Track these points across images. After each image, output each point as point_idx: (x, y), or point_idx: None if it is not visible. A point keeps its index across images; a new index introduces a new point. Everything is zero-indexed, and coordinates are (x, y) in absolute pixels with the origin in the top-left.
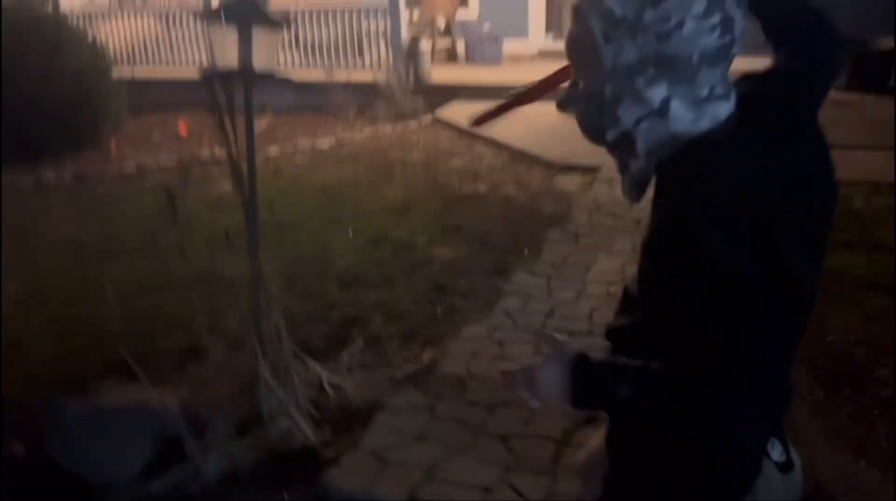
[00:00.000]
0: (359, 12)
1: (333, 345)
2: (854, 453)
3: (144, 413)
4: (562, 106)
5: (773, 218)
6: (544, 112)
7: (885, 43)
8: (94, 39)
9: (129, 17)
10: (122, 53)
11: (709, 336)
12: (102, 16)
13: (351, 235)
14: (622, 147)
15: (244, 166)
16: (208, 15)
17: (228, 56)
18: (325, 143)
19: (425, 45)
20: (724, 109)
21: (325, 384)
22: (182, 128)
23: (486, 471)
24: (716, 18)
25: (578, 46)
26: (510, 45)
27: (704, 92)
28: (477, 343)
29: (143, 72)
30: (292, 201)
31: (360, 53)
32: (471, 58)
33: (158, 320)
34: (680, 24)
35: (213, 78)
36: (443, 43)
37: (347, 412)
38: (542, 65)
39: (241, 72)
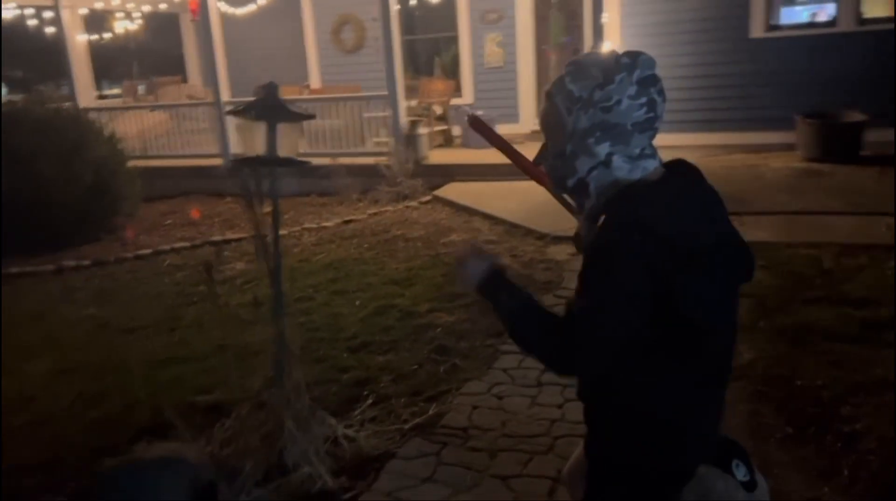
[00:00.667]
0: (360, 101)
1: (346, 403)
2: (819, 481)
3: (181, 466)
4: (538, 161)
5: (669, 245)
6: (535, 191)
7: (854, 116)
8: (111, 133)
9: (141, 112)
10: (135, 145)
11: (579, 303)
12: (117, 111)
13: (357, 304)
14: (579, 191)
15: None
16: (239, 110)
17: (257, 145)
18: (330, 222)
19: (423, 130)
20: (651, 164)
21: (340, 437)
22: (195, 213)
23: None
24: (643, 100)
25: (548, 117)
26: (503, 129)
27: (637, 151)
28: (478, 398)
29: (154, 162)
30: (301, 276)
31: (363, 140)
32: (465, 141)
33: (184, 386)
34: (619, 102)
35: (243, 165)
36: (439, 128)
37: (361, 460)
38: (531, 145)
39: (268, 159)
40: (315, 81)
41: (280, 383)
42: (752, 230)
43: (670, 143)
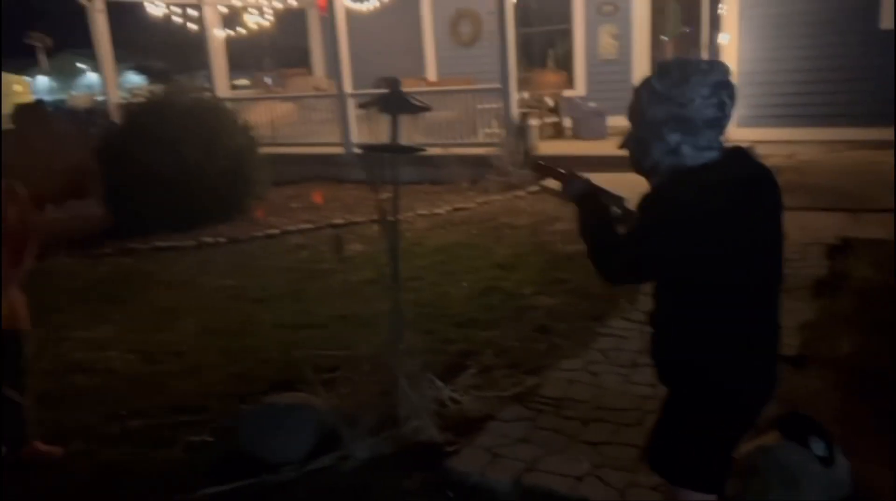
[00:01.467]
0: (474, 93)
1: (450, 371)
2: None
3: (309, 411)
4: (621, 146)
5: (702, 223)
6: (643, 181)
7: None
8: (245, 122)
9: (271, 102)
10: (265, 133)
11: (630, 236)
12: (249, 101)
13: (464, 285)
14: (651, 171)
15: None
16: (366, 103)
17: (383, 134)
18: (441, 209)
19: (534, 121)
20: (712, 155)
21: (446, 399)
22: (317, 197)
23: (579, 466)
24: (714, 100)
25: (632, 107)
26: (615, 120)
27: (703, 143)
28: (573, 374)
29: (282, 149)
30: (413, 258)
31: (475, 131)
32: (577, 133)
33: (309, 348)
34: (692, 100)
35: (369, 151)
36: (550, 119)
37: (464, 420)
38: None
39: (391, 146)
40: (431, 73)
41: (395, 346)
42: (867, 228)
43: (788, 138)
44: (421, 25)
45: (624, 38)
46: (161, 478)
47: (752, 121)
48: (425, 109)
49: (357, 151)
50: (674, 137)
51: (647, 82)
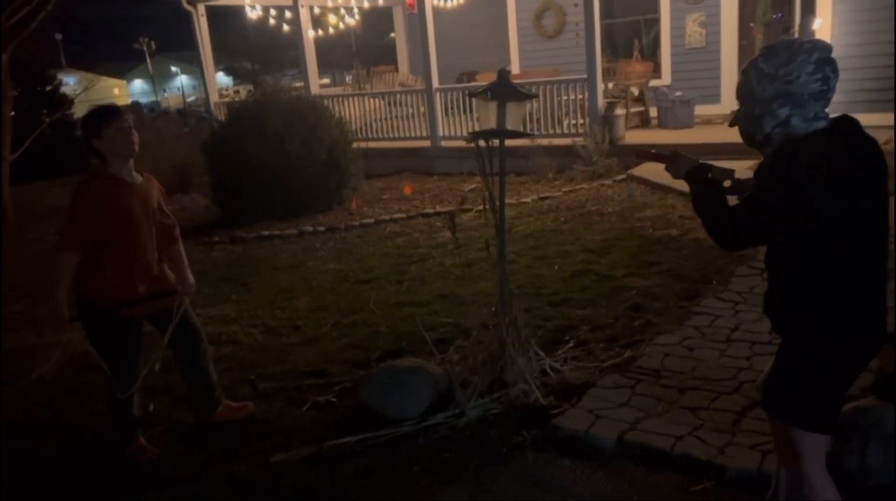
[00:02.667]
0: (560, 85)
1: (550, 344)
2: None
3: (424, 373)
4: (731, 124)
5: (817, 184)
6: (735, 168)
7: None
8: (339, 117)
9: (361, 99)
10: (358, 128)
11: (750, 200)
12: (344, 98)
13: (556, 268)
14: (764, 143)
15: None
16: (478, 93)
17: (490, 121)
18: (528, 198)
19: (620, 111)
20: (821, 124)
21: (548, 368)
22: (407, 188)
23: (678, 428)
24: (819, 75)
25: (742, 87)
26: (702, 110)
27: (811, 114)
28: (669, 348)
29: (372, 143)
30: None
31: (560, 122)
32: (663, 122)
33: (415, 323)
34: (798, 77)
35: (480, 136)
36: (636, 109)
37: (566, 386)
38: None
39: (499, 131)
40: (515, 66)
41: (502, 315)
42: None
43: (882, 123)
44: (506, 19)
45: (712, 26)
46: (293, 432)
47: (846, 107)
48: (532, 96)
49: (445, 144)
50: (783, 111)
51: (754, 63)
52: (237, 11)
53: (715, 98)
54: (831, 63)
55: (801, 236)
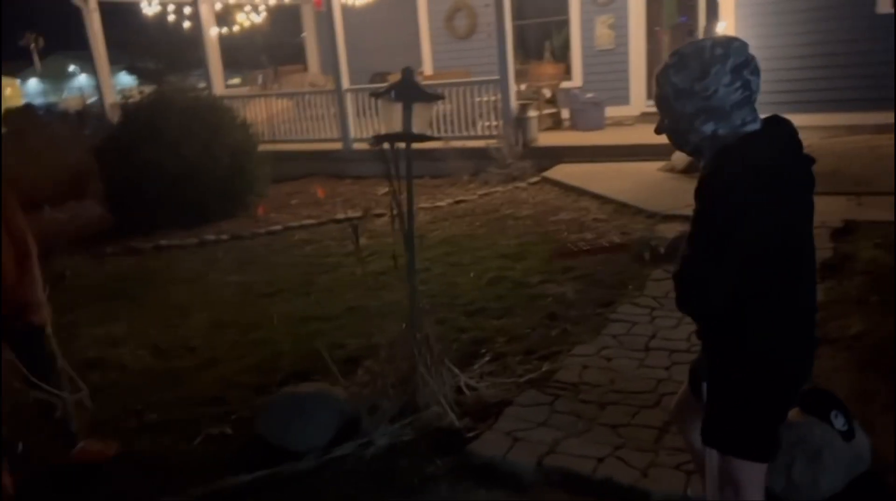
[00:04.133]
0: (473, 86)
1: (465, 359)
2: None
3: (329, 400)
4: (657, 131)
5: (757, 187)
6: (645, 171)
7: None
8: (244, 119)
9: (268, 99)
10: (263, 130)
11: (695, 239)
12: (246, 98)
13: (471, 275)
14: (694, 153)
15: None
16: (381, 93)
17: (395, 124)
18: (443, 202)
19: (532, 113)
20: (752, 127)
21: (463, 385)
22: (319, 192)
23: (600, 448)
24: (738, 84)
25: (660, 101)
26: (613, 111)
27: (738, 122)
28: (587, 359)
29: (280, 146)
30: (418, 250)
31: (474, 124)
32: (575, 124)
33: (322, 340)
34: (716, 91)
35: (383, 140)
36: (548, 111)
37: (482, 405)
38: (642, 127)
39: (404, 134)
40: (427, 67)
41: (413, 333)
42: (869, 210)
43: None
44: (417, 19)
45: (621, 29)
46: (182, 470)
47: None
48: (439, 97)
49: (357, 146)
50: (708, 127)
51: (666, 76)
52: (136, 7)
53: (624, 100)
54: (748, 65)
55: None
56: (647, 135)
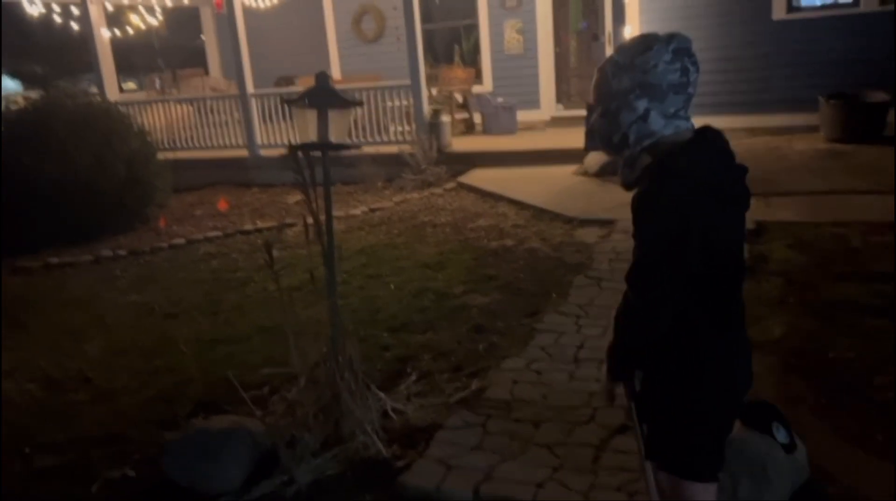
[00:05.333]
0: (384, 91)
1: (390, 379)
2: (854, 445)
3: (243, 434)
4: (588, 129)
5: (698, 199)
6: (559, 176)
7: (878, 96)
8: (140, 126)
9: (166, 105)
10: (162, 138)
11: (639, 258)
12: (143, 104)
13: (392, 288)
14: (621, 145)
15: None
16: (294, 100)
17: (310, 132)
18: (357, 210)
19: (445, 118)
20: (683, 125)
21: (390, 410)
22: (222, 203)
23: (538, 472)
24: (677, 65)
25: (597, 84)
26: (524, 116)
27: (671, 110)
28: (517, 373)
29: (181, 154)
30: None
31: (386, 129)
32: (487, 128)
33: (233, 365)
34: (655, 66)
35: (298, 150)
36: (461, 115)
37: (411, 431)
38: (552, 132)
39: (321, 144)
40: (336, 71)
41: (334, 357)
42: (778, 211)
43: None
44: (323, 22)
45: (529, 33)
46: None
47: None
48: (357, 103)
49: (264, 152)
50: (641, 103)
51: (609, 58)
52: (17, 8)
53: (535, 104)
54: (690, 55)
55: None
56: (559, 139)
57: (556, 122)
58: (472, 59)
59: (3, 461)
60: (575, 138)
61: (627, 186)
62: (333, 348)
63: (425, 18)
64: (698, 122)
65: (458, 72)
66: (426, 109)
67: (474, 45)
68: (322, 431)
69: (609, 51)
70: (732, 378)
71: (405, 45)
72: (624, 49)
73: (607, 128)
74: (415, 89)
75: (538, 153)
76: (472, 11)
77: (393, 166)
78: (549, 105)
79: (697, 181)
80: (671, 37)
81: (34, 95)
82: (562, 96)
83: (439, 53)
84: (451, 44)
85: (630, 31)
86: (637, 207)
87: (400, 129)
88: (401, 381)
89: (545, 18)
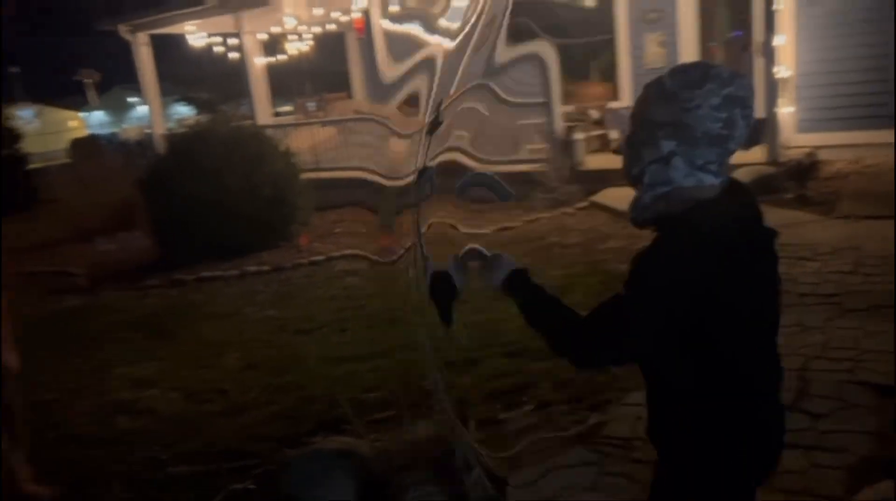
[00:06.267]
0: (516, 107)
1: (505, 408)
2: None
3: (356, 459)
4: (617, 151)
5: (712, 269)
6: None
7: None
8: (286, 148)
9: (312, 127)
10: (307, 158)
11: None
12: (291, 127)
13: (514, 311)
14: (637, 179)
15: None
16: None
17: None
18: (486, 229)
19: (580, 135)
20: (708, 179)
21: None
22: (361, 222)
23: None
24: (723, 114)
25: (636, 104)
26: None
27: (700, 161)
28: (641, 409)
29: (324, 174)
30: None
31: (518, 146)
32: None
33: (355, 384)
34: (698, 107)
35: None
36: (596, 132)
37: (523, 465)
38: None
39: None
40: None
41: (447, 386)
42: None
43: (853, 141)
44: None
45: (672, 46)
46: None
47: (814, 125)
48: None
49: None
50: (667, 145)
51: (659, 78)
52: (184, 39)
53: None
54: (745, 107)
55: (690, 344)
56: None
57: None
58: (610, 75)
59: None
60: None
61: (636, 223)
62: (446, 379)
63: (559, 34)
64: (865, 138)
65: (595, 87)
66: (559, 126)
67: (611, 60)
68: (432, 460)
69: (759, 64)
70: (768, 442)
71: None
72: (676, 74)
73: (630, 157)
74: (548, 107)
75: None
76: (609, 26)
77: (523, 185)
78: None
79: (719, 245)
80: (730, 79)
81: (201, 118)
82: None
83: (575, 69)
84: (586, 59)
85: (783, 40)
86: (634, 261)
87: (531, 147)
88: (515, 410)
89: (688, 29)
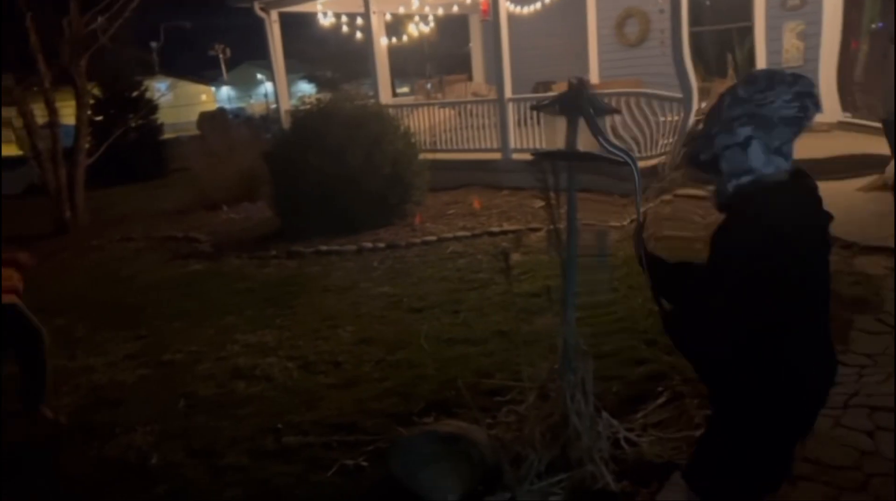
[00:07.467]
0: (646, 99)
1: (634, 401)
2: None
3: (468, 444)
4: (684, 145)
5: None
6: (842, 190)
7: None
8: (406, 128)
9: (430, 108)
10: (425, 139)
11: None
12: (410, 107)
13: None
14: (706, 165)
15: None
16: (544, 105)
17: (557, 140)
18: (621, 222)
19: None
20: (783, 164)
21: (622, 440)
22: (476, 203)
23: None
24: (797, 104)
25: (711, 109)
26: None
27: (777, 143)
28: None
29: (440, 155)
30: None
31: (655, 142)
32: None
33: (467, 366)
34: (773, 102)
35: (543, 158)
36: None
37: (645, 466)
38: (838, 136)
39: (568, 153)
40: (594, 75)
41: (566, 376)
42: None
43: None
44: (585, 26)
45: (812, 38)
46: None
47: None
48: (610, 111)
49: (516, 156)
50: (744, 130)
51: (731, 87)
52: (314, 19)
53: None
54: (812, 97)
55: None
56: (843, 144)
57: (843, 125)
58: (747, 68)
59: None
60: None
61: (694, 160)
62: (564, 364)
63: (693, 21)
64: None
65: (731, 84)
66: (691, 121)
67: (748, 54)
68: (548, 453)
69: None
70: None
71: (669, 48)
72: (748, 83)
73: (700, 146)
74: (686, 104)
75: (813, 163)
76: (747, 13)
77: (649, 178)
78: (832, 112)
79: (784, 229)
80: (796, 79)
81: (323, 96)
82: (848, 106)
83: (708, 61)
84: (722, 50)
85: None
86: (714, 241)
87: (667, 142)
88: (644, 404)
89: (834, 18)
